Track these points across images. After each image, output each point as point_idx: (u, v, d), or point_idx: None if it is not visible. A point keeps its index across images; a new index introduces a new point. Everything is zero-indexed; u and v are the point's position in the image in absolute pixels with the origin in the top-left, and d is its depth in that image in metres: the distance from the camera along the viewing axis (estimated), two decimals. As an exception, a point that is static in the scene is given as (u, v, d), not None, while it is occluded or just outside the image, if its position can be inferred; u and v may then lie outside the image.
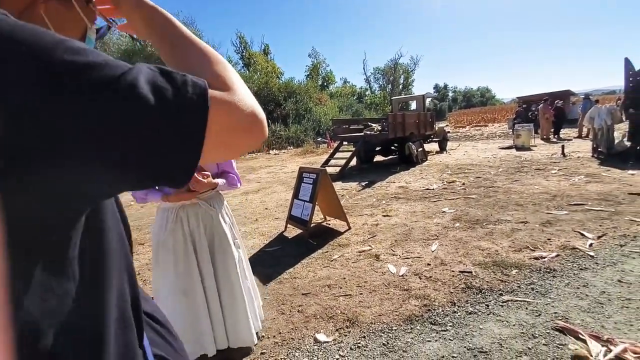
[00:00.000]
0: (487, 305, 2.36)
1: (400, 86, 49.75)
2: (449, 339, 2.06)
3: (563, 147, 8.47)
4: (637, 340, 1.86)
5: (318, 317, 2.47)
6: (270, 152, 17.77)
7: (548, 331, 2.02)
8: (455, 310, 2.36)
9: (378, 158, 11.27)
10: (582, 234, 3.39)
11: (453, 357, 1.91)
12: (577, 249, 3.08)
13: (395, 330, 2.22)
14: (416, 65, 50.50)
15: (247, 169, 11.58)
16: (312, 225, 4.21)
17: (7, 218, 0.29)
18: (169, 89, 0.35)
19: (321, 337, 2.22)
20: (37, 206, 0.32)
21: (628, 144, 7.26)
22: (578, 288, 2.46)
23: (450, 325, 2.20)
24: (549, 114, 12.76)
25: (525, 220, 3.95)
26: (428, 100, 13.80)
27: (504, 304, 2.36)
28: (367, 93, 47.79)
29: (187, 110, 0.35)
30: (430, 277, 2.88)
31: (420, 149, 9.78)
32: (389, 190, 6.60)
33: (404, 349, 2.03)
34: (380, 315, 2.41)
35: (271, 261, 3.54)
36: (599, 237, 3.28)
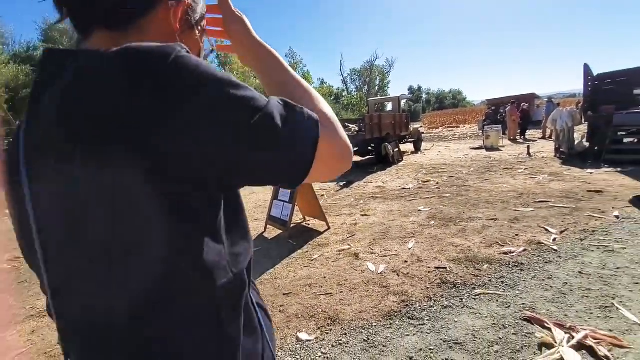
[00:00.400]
0: (461, 299, 2.47)
1: (376, 87, 50.57)
2: (426, 332, 2.14)
3: (529, 147, 8.94)
4: (597, 327, 2.02)
5: (300, 316, 2.50)
6: (248, 152, 17.61)
7: (517, 321, 2.15)
8: (432, 304, 2.46)
9: (356, 158, 11.42)
10: (546, 230, 3.61)
11: (430, 349, 1.99)
12: (542, 243, 3.27)
13: (375, 326, 2.28)
14: (391, 67, 51.49)
15: (224, 170, 11.40)
16: (292, 225, 4.22)
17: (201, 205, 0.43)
18: (294, 122, 0.44)
19: (303, 336, 2.25)
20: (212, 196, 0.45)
21: (587, 144, 7.76)
22: (543, 280, 2.62)
23: (427, 319, 2.28)
24: (515, 116, 13.39)
25: (495, 218, 4.15)
26: (403, 101, 14.13)
27: (477, 297, 2.48)
28: (344, 94, 48.20)
29: (304, 140, 0.45)
30: (408, 273, 2.97)
31: (397, 149, 10.00)
32: (366, 190, 6.71)
33: (384, 344, 2.10)
34: (360, 312, 2.47)
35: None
36: (561, 232, 3.50)
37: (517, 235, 3.56)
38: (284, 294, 2.82)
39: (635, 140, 7.17)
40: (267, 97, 0.45)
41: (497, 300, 2.41)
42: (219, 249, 0.46)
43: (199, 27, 0.59)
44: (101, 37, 0.47)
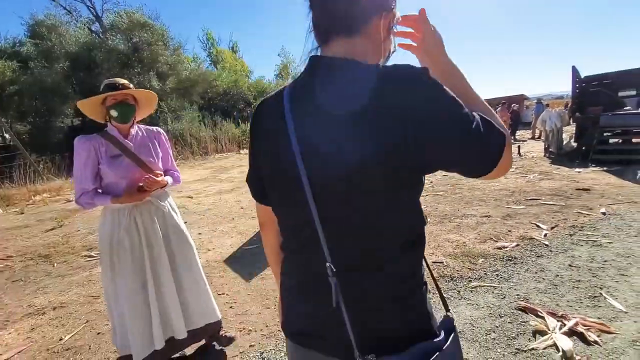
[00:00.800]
0: (459, 291, 2.57)
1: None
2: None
3: (519, 147, 9.16)
4: (587, 315, 2.13)
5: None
6: (241, 151, 17.53)
7: (512, 311, 2.25)
8: (431, 297, 2.54)
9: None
10: (537, 226, 3.74)
11: (431, 338, 2.08)
12: (534, 238, 3.40)
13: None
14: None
15: (219, 169, 11.39)
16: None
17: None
18: (489, 134, 0.57)
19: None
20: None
21: (575, 144, 8.00)
22: (536, 273, 2.74)
23: (426, 311, 2.37)
24: (506, 117, 13.65)
25: (488, 214, 4.28)
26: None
27: (473, 289, 2.58)
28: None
29: (497, 147, 0.58)
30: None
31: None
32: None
33: None
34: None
35: (252, 259, 3.58)
36: (552, 228, 3.64)
37: (509, 231, 3.69)
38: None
39: (620, 141, 7.42)
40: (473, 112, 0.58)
41: (493, 292, 2.51)
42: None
43: (393, 32, 0.71)
44: (338, 43, 0.65)
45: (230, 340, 2.20)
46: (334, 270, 0.61)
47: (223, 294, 2.91)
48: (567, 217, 3.94)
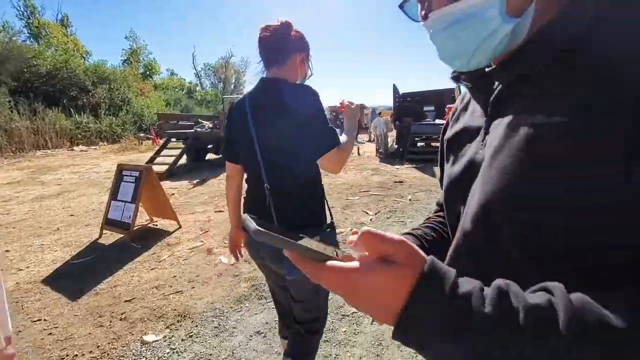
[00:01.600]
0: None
1: (232, 85, 49.55)
2: (272, 308, 2.39)
3: (358, 148, 10.71)
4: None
5: (145, 319, 2.34)
6: (75, 148, 14.30)
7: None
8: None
9: (212, 156, 11.01)
10: (366, 212, 4.50)
11: (275, 321, 2.24)
12: (363, 223, 4.08)
13: (227, 312, 2.38)
14: (247, 66, 51.40)
15: (40, 169, 8.99)
16: (135, 227, 3.80)
17: None
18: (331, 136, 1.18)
19: (149, 337, 2.13)
20: None
21: (396, 146, 9.92)
22: (361, 251, 3.30)
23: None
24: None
25: (332, 206, 4.85)
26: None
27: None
28: (197, 89, 45.13)
29: (329, 146, 1.16)
30: (258, 261, 3.19)
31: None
32: (221, 186, 6.63)
33: (234, 325, 2.22)
34: (212, 303, 2.51)
35: (82, 273, 3.01)
36: (375, 214, 4.44)
37: (346, 219, 4.30)
38: (125, 301, 2.56)
39: (424, 144, 9.64)
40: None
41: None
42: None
43: (308, 63, 1.32)
44: (274, 69, 1.23)
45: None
46: (269, 188, 1.21)
47: (39, 320, 2.36)
48: (387, 204, 4.88)
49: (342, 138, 1.25)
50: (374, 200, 5.10)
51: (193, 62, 50.07)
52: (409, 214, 4.37)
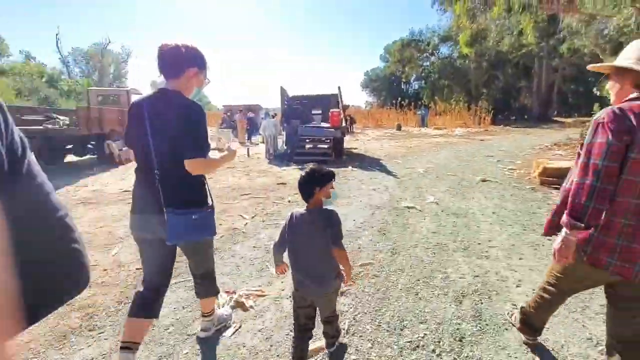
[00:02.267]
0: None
1: (111, 76, 42.66)
2: (104, 339, 2.04)
3: (248, 149, 10.48)
4: (255, 285, 2.64)
5: None
6: None
7: (196, 300, 2.45)
8: (120, 308, 2.36)
9: (72, 159, 9.18)
10: (242, 217, 4.35)
11: (102, 355, 1.90)
12: (237, 228, 3.93)
13: (44, 352, 1.92)
14: (129, 56, 44.93)
15: None
16: None
17: None
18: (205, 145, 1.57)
19: None
20: None
21: (285, 148, 10.05)
22: (228, 259, 3.14)
23: (109, 325, 2.17)
24: (243, 122, 15.29)
25: (207, 212, 4.55)
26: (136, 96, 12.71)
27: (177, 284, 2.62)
28: (62, 77, 37.32)
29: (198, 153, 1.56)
30: (103, 282, 2.71)
31: (125, 147, 8.88)
32: (77, 195, 5.55)
33: (46, 370, 1.80)
34: (28, 342, 2.00)
35: None
36: (252, 217, 4.34)
37: (220, 224, 4.07)
38: None
39: (311, 146, 10.02)
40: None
41: (185, 286, 2.65)
42: None
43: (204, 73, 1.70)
44: (170, 81, 1.59)
45: None
46: (158, 173, 1.52)
47: None
48: (265, 207, 4.84)
49: (213, 156, 1.61)
50: (253, 203, 4.99)
51: (57, 45, 40.92)
52: (285, 215, 4.41)
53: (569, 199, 1.28)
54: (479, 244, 3.40)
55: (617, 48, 10.31)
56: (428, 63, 36.21)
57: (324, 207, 1.64)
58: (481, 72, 29.99)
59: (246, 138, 15.61)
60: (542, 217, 4.18)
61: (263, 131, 9.94)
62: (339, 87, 10.66)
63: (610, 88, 1.38)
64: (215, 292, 1.98)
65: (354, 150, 11.62)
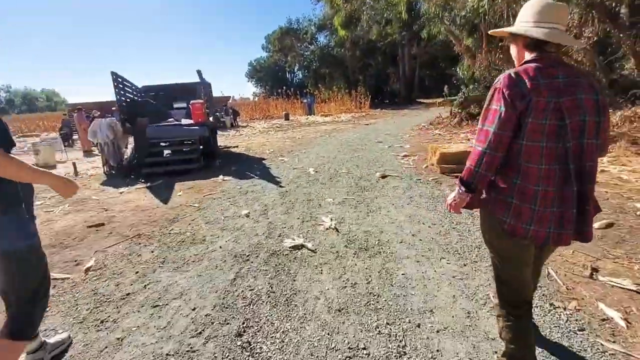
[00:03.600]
0: None
1: None
2: None
3: (74, 164, 7.07)
4: None
5: None
6: None
7: None
8: None
9: None
10: None
11: None
12: None
13: None
14: None
15: None
16: None
17: None
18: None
19: None
20: None
21: (134, 156, 7.08)
22: None
23: None
24: (85, 124, 11.10)
25: None
26: None
27: None
28: None
29: None
30: None
31: None
32: None
33: None
34: None
35: None
36: None
37: None
38: None
39: (171, 152, 7.27)
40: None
41: None
42: None
43: None
44: None
45: None
46: None
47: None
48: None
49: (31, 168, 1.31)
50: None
51: None
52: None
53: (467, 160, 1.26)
54: (418, 326, 1.83)
55: (472, 30, 10.66)
56: (308, 52, 35.49)
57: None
58: (356, 60, 30.74)
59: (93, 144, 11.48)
60: (466, 226, 2.96)
61: (92, 137, 6.70)
62: (198, 71, 8.10)
63: (512, 53, 1.33)
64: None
65: (234, 149, 9.36)
